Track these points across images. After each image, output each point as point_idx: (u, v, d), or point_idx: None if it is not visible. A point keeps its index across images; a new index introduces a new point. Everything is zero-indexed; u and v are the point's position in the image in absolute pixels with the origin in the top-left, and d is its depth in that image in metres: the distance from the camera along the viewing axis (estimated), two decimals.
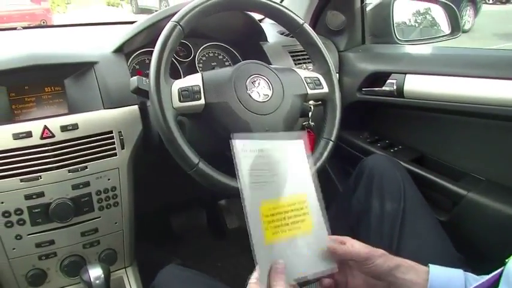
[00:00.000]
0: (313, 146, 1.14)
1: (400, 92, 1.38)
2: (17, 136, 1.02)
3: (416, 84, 1.35)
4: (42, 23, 8.54)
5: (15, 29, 1.53)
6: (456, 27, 1.68)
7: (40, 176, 1.04)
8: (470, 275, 0.80)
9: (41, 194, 1.05)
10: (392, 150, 1.49)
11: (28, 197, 1.04)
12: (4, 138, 1.01)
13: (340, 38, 1.65)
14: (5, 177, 1.01)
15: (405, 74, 1.38)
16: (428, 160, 1.44)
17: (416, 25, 1.87)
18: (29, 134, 1.03)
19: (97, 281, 1.03)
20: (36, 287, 1.15)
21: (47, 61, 1.11)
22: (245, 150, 0.73)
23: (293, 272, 0.73)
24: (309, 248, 0.77)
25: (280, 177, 0.77)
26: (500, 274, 0.67)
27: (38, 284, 1.15)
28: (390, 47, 1.63)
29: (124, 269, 1.27)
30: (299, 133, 0.83)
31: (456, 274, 0.80)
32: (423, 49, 1.67)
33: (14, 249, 1.08)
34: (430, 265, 0.81)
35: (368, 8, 1.68)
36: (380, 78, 1.46)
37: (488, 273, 0.74)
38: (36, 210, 1.06)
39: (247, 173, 0.72)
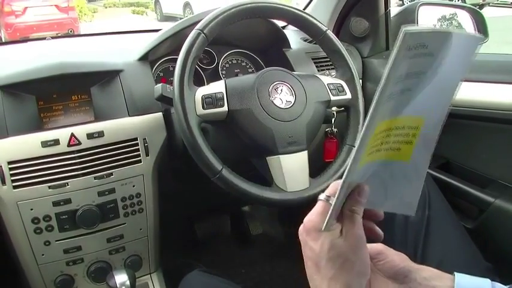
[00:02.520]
0: (336, 152, 1.14)
1: None
2: (45, 144, 1.04)
3: None
4: (69, 32, 8.72)
5: (44, 38, 1.56)
6: (483, 33, 1.65)
7: (67, 183, 1.06)
8: (498, 284, 0.79)
9: (68, 201, 1.07)
10: None
11: (56, 204, 1.07)
12: (33, 146, 1.03)
13: (363, 45, 1.65)
14: (34, 184, 1.04)
15: None
16: (454, 166, 1.42)
17: None
18: (56, 142, 1.05)
19: (123, 287, 1.04)
20: None
21: (74, 70, 1.13)
22: (411, 48, 0.52)
23: (370, 200, 0.65)
24: (396, 179, 0.67)
25: (416, 90, 0.59)
26: None
27: None
28: None
29: (149, 275, 1.29)
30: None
31: (483, 283, 0.79)
32: None
33: (43, 255, 1.10)
34: (455, 273, 0.80)
35: (392, 14, 1.66)
36: None
37: None
38: (64, 217, 1.08)
39: (395, 80, 0.54)
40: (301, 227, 0.65)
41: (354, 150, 0.57)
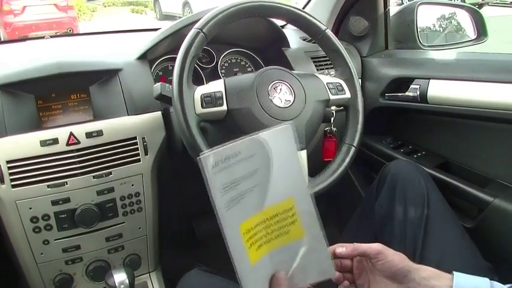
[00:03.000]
0: (335, 151, 1.14)
1: (423, 97, 1.36)
2: (44, 143, 1.04)
3: (441, 90, 1.33)
4: (68, 31, 8.68)
5: (43, 37, 1.56)
6: (482, 32, 1.65)
7: (66, 182, 1.06)
8: (496, 283, 0.79)
9: (67, 200, 1.07)
10: (415, 156, 1.47)
11: (55, 203, 1.07)
12: (32, 145, 1.03)
13: (363, 44, 1.65)
14: (33, 183, 1.04)
15: (429, 79, 1.36)
16: (453, 166, 1.42)
17: (441, 30, 1.84)
18: (55, 141, 1.05)
19: (122, 286, 1.04)
20: None
21: (73, 69, 1.13)
22: (217, 163, 0.61)
23: (291, 282, 0.70)
24: (302, 256, 0.72)
25: (262, 183, 0.67)
26: None
27: None
28: (413, 52, 1.61)
29: (148, 274, 1.29)
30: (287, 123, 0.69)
31: (482, 282, 0.79)
32: (447, 54, 1.65)
33: (42, 254, 1.11)
34: (454, 272, 0.80)
35: (391, 14, 1.66)
36: (403, 83, 1.45)
37: None
38: (63, 216, 1.08)
39: (220, 192, 0.61)
40: None
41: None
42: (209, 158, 0.60)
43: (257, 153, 0.65)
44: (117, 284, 1.04)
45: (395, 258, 0.81)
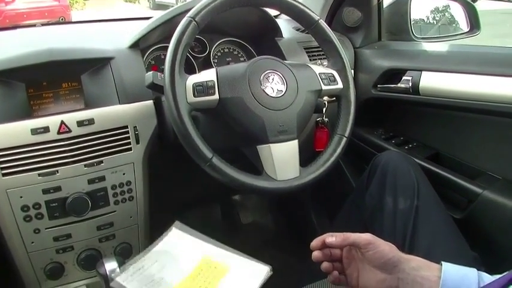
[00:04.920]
0: (327, 141, 1.14)
1: (415, 89, 1.37)
2: (35, 131, 1.03)
3: (433, 82, 1.34)
4: (60, 20, 8.62)
5: (34, 25, 1.55)
6: (475, 25, 1.65)
7: (57, 171, 1.06)
8: (484, 274, 0.80)
9: (58, 189, 1.07)
10: (407, 148, 1.48)
11: (46, 192, 1.06)
12: (23, 133, 1.03)
13: (356, 35, 1.64)
14: (24, 171, 1.03)
15: (421, 71, 1.37)
16: (444, 158, 1.43)
17: (435, 22, 1.85)
18: (46, 129, 1.04)
19: (113, 274, 1.04)
20: (54, 280, 1.17)
21: (64, 57, 1.12)
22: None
23: None
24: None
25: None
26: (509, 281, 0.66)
27: (56, 277, 1.17)
28: (407, 43, 1.61)
29: None
30: None
31: (470, 272, 0.80)
32: (440, 46, 1.66)
33: (32, 242, 1.10)
34: (443, 262, 0.80)
35: (385, 5, 1.66)
36: (395, 75, 1.45)
37: (502, 273, 0.74)
38: (54, 205, 1.08)
39: None
40: None
41: None
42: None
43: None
44: (108, 273, 1.04)
45: (385, 248, 0.81)
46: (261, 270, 0.85)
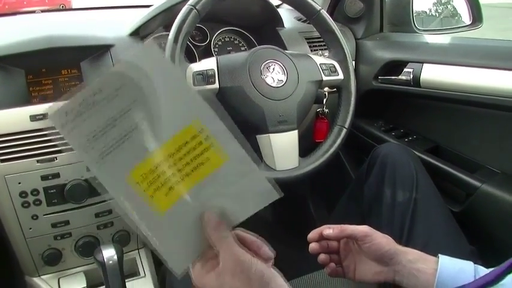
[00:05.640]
0: (326, 132, 1.14)
1: (416, 81, 1.36)
2: (34, 118, 1.03)
3: (434, 74, 1.33)
4: (61, 7, 8.58)
5: (33, 12, 1.54)
6: (478, 18, 1.64)
7: (56, 158, 1.06)
8: (480, 267, 0.80)
9: (56, 175, 1.07)
10: (406, 140, 1.47)
11: (44, 178, 1.06)
12: (21, 119, 1.03)
13: (357, 26, 1.63)
14: (22, 158, 1.03)
15: (423, 63, 1.36)
16: (443, 151, 1.43)
17: (437, 15, 1.84)
18: (45, 116, 1.04)
19: (110, 262, 1.04)
20: (51, 266, 1.18)
21: (64, 44, 1.12)
22: (70, 115, 0.53)
23: (227, 219, 0.58)
24: (231, 184, 0.58)
25: (146, 118, 0.54)
26: (508, 267, 0.66)
27: (54, 263, 1.17)
28: (408, 35, 1.60)
29: (137, 250, 1.29)
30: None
31: (466, 266, 0.80)
32: (442, 39, 1.65)
33: (30, 228, 1.10)
34: (439, 255, 0.81)
35: None
36: (397, 66, 1.44)
37: None
38: (52, 191, 1.08)
39: (87, 146, 0.53)
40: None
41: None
42: (57, 115, 0.53)
43: (124, 85, 0.53)
44: (105, 260, 1.04)
45: (382, 241, 0.81)
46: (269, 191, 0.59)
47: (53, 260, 1.16)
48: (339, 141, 1.09)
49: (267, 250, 0.61)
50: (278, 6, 1.56)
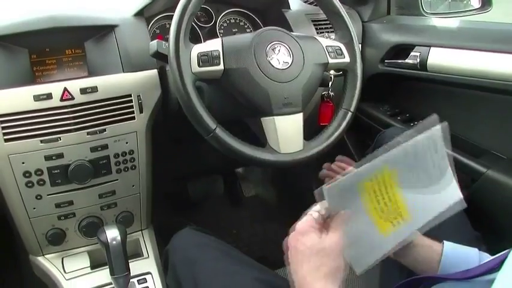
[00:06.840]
0: (331, 116, 1.13)
1: (423, 65, 1.35)
2: (37, 98, 1.03)
3: (441, 58, 1.31)
4: None
5: None
6: (487, 2, 1.62)
7: (60, 138, 1.06)
8: (484, 254, 0.80)
9: (60, 155, 1.07)
10: (412, 124, 1.46)
11: (48, 158, 1.06)
12: (25, 99, 1.02)
13: (364, 8, 1.62)
14: (26, 137, 1.03)
15: (430, 47, 1.34)
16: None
17: None
18: (49, 96, 1.03)
19: (113, 242, 1.05)
20: (55, 246, 1.18)
21: (68, 23, 1.11)
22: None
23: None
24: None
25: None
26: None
27: (57, 243, 1.18)
28: (415, 19, 1.58)
29: (140, 231, 1.30)
30: None
31: (471, 252, 0.80)
32: (450, 22, 1.62)
33: (34, 208, 1.11)
34: (444, 242, 0.80)
35: None
36: (403, 50, 1.43)
37: None
38: (56, 171, 1.08)
39: None
40: (293, 232, 0.71)
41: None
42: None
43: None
44: (109, 240, 1.05)
45: None
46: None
47: (56, 240, 1.17)
48: (344, 124, 1.08)
49: None
50: None
